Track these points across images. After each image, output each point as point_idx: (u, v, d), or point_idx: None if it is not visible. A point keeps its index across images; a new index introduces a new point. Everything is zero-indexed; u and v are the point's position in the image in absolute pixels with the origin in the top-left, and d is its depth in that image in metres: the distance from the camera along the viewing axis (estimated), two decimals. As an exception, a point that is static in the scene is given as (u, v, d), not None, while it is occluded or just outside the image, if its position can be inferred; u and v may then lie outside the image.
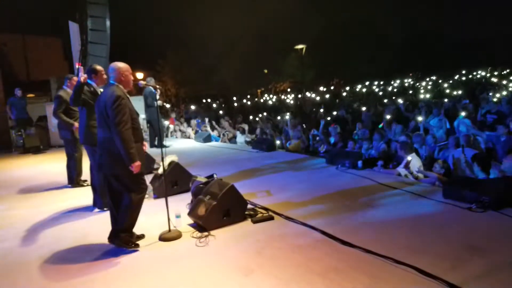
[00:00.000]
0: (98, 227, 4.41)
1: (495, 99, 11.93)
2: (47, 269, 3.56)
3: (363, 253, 3.42)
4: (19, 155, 10.56)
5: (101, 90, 4.81)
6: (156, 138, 9.73)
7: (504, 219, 3.96)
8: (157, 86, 4.86)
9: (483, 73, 31.43)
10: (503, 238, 3.57)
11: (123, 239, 3.78)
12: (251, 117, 14.12)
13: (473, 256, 3.24)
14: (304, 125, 11.30)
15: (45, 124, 12.17)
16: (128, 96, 3.78)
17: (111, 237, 3.85)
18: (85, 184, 6.34)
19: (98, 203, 5.15)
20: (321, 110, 14.17)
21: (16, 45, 22.72)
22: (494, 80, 23.11)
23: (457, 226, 3.90)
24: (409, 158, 5.88)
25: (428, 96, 15.25)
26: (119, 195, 3.80)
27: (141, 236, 4.06)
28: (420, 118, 8.82)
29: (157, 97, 8.87)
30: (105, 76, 5.06)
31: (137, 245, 3.84)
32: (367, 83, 32.34)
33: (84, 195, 5.75)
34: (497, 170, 5.18)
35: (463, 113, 8.69)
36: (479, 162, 5.37)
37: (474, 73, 31.74)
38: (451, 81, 25.71)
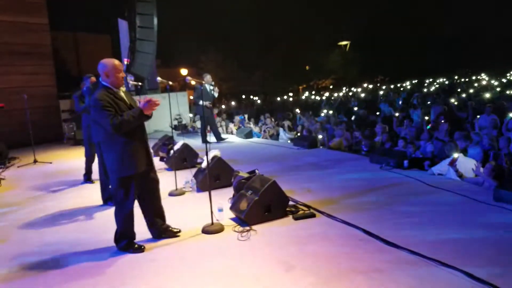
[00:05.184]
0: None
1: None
2: (95, 257, 3.74)
3: (408, 254, 3.33)
4: (71, 147, 11.16)
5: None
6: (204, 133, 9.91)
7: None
8: (202, 82, 4.96)
9: None
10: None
11: (123, 247, 3.76)
12: (296, 111, 14.06)
13: (526, 263, 3.07)
14: (347, 122, 11.13)
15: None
16: (120, 95, 3.61)
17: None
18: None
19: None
20: (355, 109, 13.81)
21: (67, 42, 23.82)
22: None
23: (508, 230, 3.71)
24: (455, 155, 5.63)
25: (488, 95, 14.34)
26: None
27: (178, 231, 4.08)
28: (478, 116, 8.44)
29: (208, 91, 9.06)
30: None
31: (140, 249, 3.76)
32: (414, 81, 31.19)
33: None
34: None
35: (511, 114, 8.24)
36: None
37: None
38: (503, 80, 24.19)
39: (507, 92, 15.49)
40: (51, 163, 8.70)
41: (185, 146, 7.04)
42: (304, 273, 3.16)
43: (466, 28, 38.73)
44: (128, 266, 3.50)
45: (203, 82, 4.71)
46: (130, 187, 3.65)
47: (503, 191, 4.44)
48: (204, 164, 5.60)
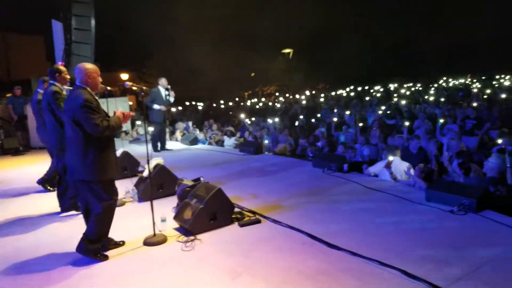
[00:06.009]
0: (79, 231, 4.27)
1: (474, 105, 12.19)
2: (25, 277, 3.45)
3: (350, 256, 3.44)
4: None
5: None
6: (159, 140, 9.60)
7: (484, 221, 4.05)
8: (144, 87, 4.77)
9: (462, 80, 32.13)
10: (483, 240, 3.65)
11: (91, 251, 3.61)
12: (240, 117, 14.08)
13: (455, 258, 3.30)
14: (291, 128, 11.36)
15: (25, 125, 11.88)
16: (96, 98, 3.59)
17: (79, 246, 3.64)
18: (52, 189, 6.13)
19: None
20: (301, 117, 14.12)
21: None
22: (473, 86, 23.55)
23: (439, 229, 3.96)
24: (390, 158, 5.96)
25: (405, 101, 15.36)
26: (87, 202, 3.64)
27: (121, 243, 3.95)
28: (407, 123, 9.00)
29: (163, 95, 8.73)
30: (68, 77, 5.03)
31: (106, 257, 3.66)
32: (351, 87, 32.68)
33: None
34: (477, 172, 5.37)
35: (441, 120, 8.93)
36: (462, 165, 5.50)
37: (455, 80, 32.46)
38: (433, 88, 26.15)
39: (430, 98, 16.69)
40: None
41: (126, 154, 6.75)
42: (251, 280, 3.14)
43: (403, 37, 41.37)
44: (58, 283, 3.26)
45: (144, 88, 4.52)
46: (112, 187, 3.70)
47: (433, 192, 4.76)
48: (145, 173, 5.40)
